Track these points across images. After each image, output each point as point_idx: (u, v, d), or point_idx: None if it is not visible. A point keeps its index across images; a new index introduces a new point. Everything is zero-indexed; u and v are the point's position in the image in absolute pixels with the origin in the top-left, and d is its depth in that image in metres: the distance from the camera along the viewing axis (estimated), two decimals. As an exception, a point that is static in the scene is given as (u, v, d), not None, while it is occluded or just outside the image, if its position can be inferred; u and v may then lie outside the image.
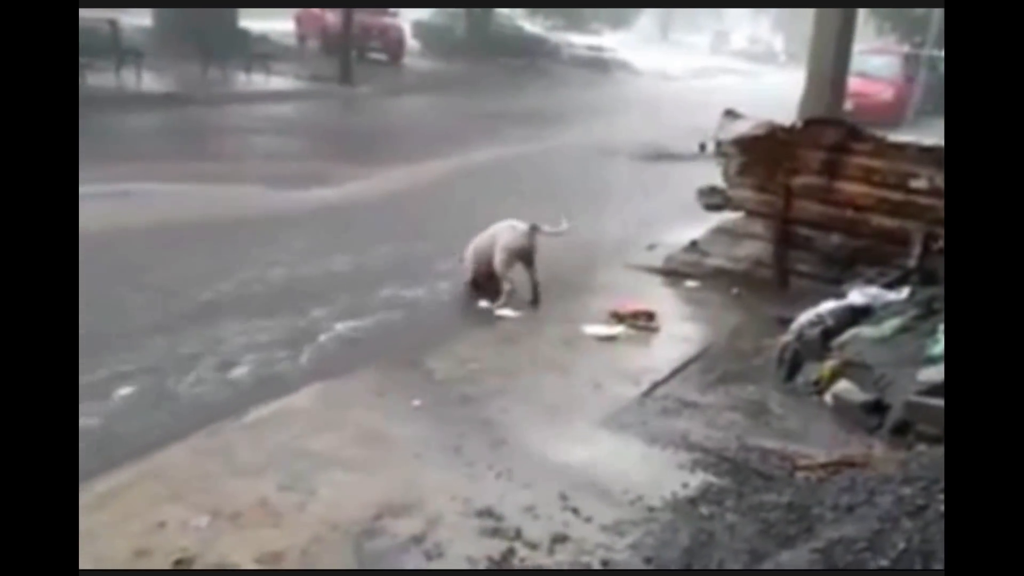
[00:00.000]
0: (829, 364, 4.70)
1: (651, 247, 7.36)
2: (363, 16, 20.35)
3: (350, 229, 7.74)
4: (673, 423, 4.23)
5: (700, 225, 7.17)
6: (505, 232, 6.02)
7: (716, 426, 4.22)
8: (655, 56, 36.53)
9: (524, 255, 5.99)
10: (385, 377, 4.56)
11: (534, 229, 5.98)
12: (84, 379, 4.31)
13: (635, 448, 3.96)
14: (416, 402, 4.25)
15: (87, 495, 3.28)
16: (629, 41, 38.32)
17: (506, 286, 5.94)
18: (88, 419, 3.87)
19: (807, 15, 13.15)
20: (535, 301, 5.97)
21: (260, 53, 17.78)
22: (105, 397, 4.24)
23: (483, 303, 5.93)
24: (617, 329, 5.50)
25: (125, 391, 4.35)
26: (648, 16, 48.73)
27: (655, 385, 4.69)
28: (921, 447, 3.80)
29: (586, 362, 5.00)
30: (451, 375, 4.64)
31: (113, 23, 15.45)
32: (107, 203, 7.37)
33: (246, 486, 3.40)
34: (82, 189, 7.41)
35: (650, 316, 5.69)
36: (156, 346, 4.89)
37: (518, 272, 6.01)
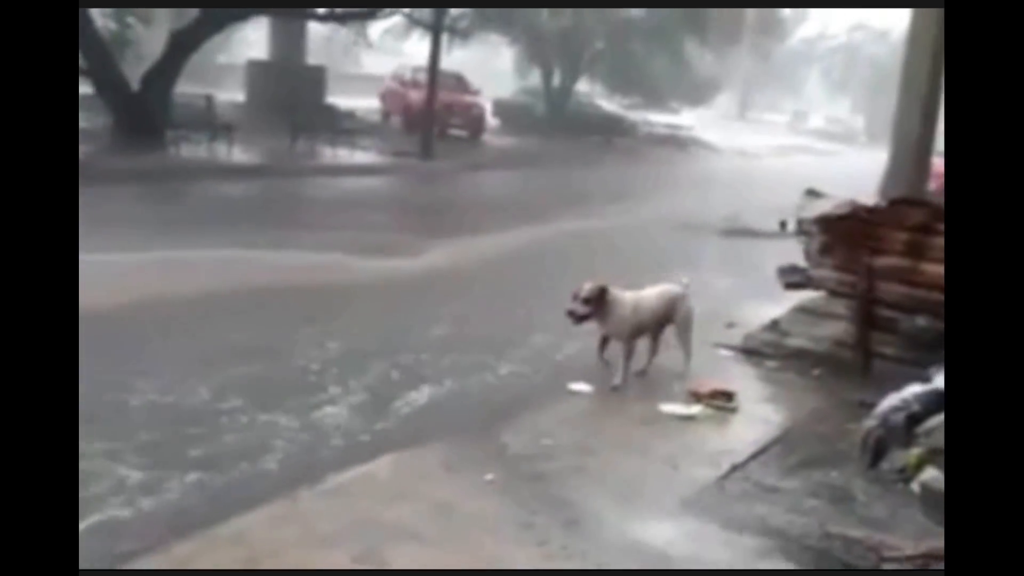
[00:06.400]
0: (916, 451, 4.53)
1: (730, 325, 7.25)
2: (445, 95, 20.97)
3: (430, 299, 7.86)
4: (753, 508, 4.12)
5: (780, 304, 7.07)
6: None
7: (797, 512, 4.09)
8: (733, 134, 36.59)
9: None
10: (458, 450, 4.55)
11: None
12: (166, 443, 4.46)
13: (713, 533, 3.87)
14: (489, 476, 4.23)
15: (165, 559, 3.35)
16: (707, 119, 38.46)
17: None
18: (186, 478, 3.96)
19: (888, 96, 13.06)
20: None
21: (346, 128, 18.39)
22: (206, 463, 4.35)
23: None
24: (695, 409, 5.41)
25: (204, 450, 4.46)
26: (727, 95, 48.95)
27: (734, 468, 4.58)
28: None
29: (663, 442, 4.91)
30: (525, 450, 4.60)
31: (209, 98, 16.26)
32: (205, 269, 7.89)
33: (321, 556, 3.42)
34: (186, 253, 7.80)
35: (728, 396, 5.59)
36: (236, 408, 5.02)
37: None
